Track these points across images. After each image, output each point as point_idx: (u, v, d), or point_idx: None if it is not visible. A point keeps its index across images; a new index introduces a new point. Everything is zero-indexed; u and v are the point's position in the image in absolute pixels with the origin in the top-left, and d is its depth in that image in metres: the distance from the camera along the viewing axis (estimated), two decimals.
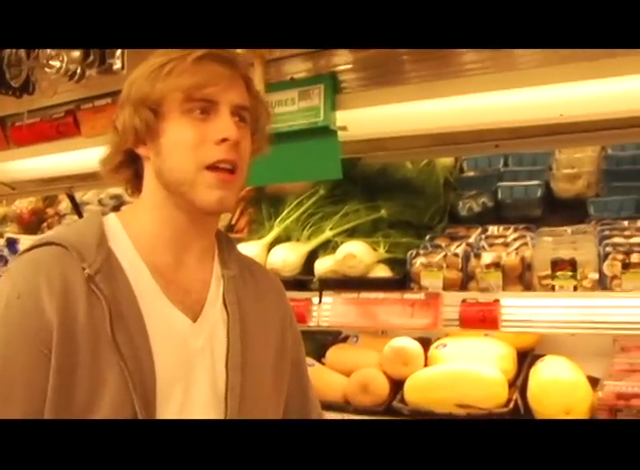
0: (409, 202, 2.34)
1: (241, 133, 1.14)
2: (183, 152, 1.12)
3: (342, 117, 1.96)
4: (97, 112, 2.33)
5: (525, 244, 2.02)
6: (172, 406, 1.12)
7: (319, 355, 2.36)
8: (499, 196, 2.37)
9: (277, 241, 2.30)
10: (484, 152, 2.35)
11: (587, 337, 2.08)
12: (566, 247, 1.98)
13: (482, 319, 1.90)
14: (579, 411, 1.78)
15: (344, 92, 1.87)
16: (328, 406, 2.08)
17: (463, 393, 1.91)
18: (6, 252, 3.13)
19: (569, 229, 2.09)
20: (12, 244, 3.14)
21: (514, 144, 2.14)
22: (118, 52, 1.91)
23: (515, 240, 2.07)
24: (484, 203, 2.39)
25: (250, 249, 2.24)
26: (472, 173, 2.54)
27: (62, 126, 2.46)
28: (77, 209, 3.09)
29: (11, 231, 3.37)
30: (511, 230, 2.17)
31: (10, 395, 1.04)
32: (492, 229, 2.20)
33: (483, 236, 2.14)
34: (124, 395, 1.05)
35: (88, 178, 2.81)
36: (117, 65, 1.89)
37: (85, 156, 2.32)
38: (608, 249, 1.85)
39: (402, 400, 2.02)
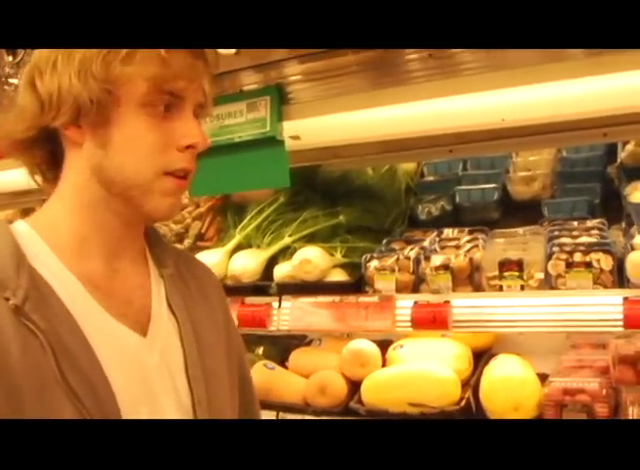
0: (368, 207, 2.39)
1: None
2: (142, 153, 0.97)
3: (293, 127, 2.01)
4: None
5: (476, 246, 2.07)
6: None
7: (283, 359, 2.41)
8: (457, 200, 2.41)
9: (239, 248, 2.35)
10: (439, 157, 2.40)
11: (542, 335, 2.13)
12: (515, 248, 2.02)
13: (433, 320, 1.94)
14: (527, 407, 1.83)
15: (293, 102, 1.91)
16: (288, 408, 2.14)
17: (415, 392, 1.96)
18: None
19: (520, 230, 2.14)
20: None
21: (467, 148, 2.19)
22: None
23: (467, 242, 2.12)
24: (443, 206, 2.43)
25: (211, 256, 2.29)
26: (431, 178, 2.58)
27: None
28: None
29: None
30: (465, 233, 2.21)
31: None
32: (447, 232, 2.25)
33: (437, 239, 2.19)
34: None
35: None
36: None
37: None
38: (554, 249, 1.90)
39: (360, 401, 2.07)
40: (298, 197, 2.42)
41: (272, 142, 1.86)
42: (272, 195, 2.47)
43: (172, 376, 1.04)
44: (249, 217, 2.39)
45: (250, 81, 1.98)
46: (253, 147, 1.88)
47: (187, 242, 2.90)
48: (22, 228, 1.00)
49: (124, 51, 0.95)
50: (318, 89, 1.94)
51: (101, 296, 1.00)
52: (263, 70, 1.95)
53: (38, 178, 1.07)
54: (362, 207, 2.38)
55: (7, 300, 0.89)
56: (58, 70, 0.94)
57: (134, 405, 0.98)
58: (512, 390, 1.85)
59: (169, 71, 0.96)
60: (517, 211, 2.36)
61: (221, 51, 1.63)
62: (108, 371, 0.95)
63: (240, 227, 2.38)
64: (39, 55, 0.98)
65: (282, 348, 2.45)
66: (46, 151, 1.03)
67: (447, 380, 1.96)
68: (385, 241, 2.26)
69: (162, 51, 0.95)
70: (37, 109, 0.97)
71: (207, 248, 2.57)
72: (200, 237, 2.89)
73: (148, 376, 1.01)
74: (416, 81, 1.91)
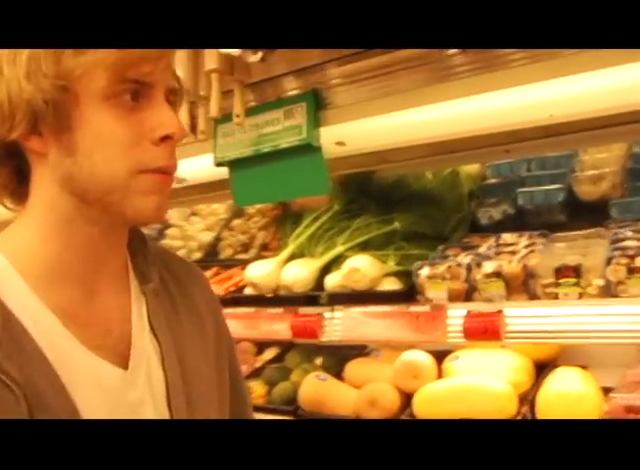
0: (425, 213, 2.31)
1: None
2: (112, 152, 0.85)
3: (337, 133, 1.97)
4: None
5: (533, 251, 1.94)
6: None
7: (341, 370, 2.36)
8: (519, 202, 2.29)
9: (292, 257, 2.33)
10: (495, 159, 2.29)
11: (611, 346, 1.97)
12: (575, 252, 1.89)
13: (485, 331, 1.84)
14: None
15: (332, 107, 1.87)
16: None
17: (468, 406, 1.86)
18: None
19: (583, 233, 2.00)
20: None
21: (525, 147, 2.08)
22: None
23: (525, 247, 2.00)
24: (505, 210, 2.32)
25: (264, 267, 2.28)
26: (493, 181, 2.47)
27: None
28: None
29: None
30: (525, 237, 2.09)
31: None
32: (505, 237, 2.14)
33: (494, 245, 2.08)
34: None
35: None
36: None
37: None
38: (614, 253, 1.76)
39: (412, 414, 1.99)
40: (353, 204, 2.38)
41: (310, 149, 1.82)
42: (327, 203, 2.43)
43: (156, 407, 0.97)
44: (302, 227, 2.36)
45: (289, 88, 1.96)
46: (292, 155, 1.85)
47: (252, 252, 2.92)
48: None
49: None
50: (358, 91, 1.89)
51: (78, 327, 0.90)
52: (301, 75, 1.93)
53: (7, 201, 0.95)
54: (418, 212, 2.30)
55: None
56: (5, 76, 0.83)
57: None
58: (568, 406, 1.72)
59: (130, 55, 0.83)
60: (584, 213, 2.21)
61: (253, 58, 1.63)
62: (88, 415, 0.87)
63: (293, 236, 2.36)
64: None
65: (340, 358, 2.40)
66: (10, 168, 0.91)
67: (502, 394, 1.85)
68: (440, 247, 2.17)
69: None
70: None
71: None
72: (264, 247, 2.90)
73: (131, 411, 0.94)
74: (459, 76, 1.82)
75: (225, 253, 3.01)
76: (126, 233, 0.99)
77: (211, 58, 1.65)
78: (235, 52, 1.58)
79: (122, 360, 0.94)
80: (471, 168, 2.54)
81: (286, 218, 2.63)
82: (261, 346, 2.75)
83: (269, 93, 2.00)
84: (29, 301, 0.87)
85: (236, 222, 3.10)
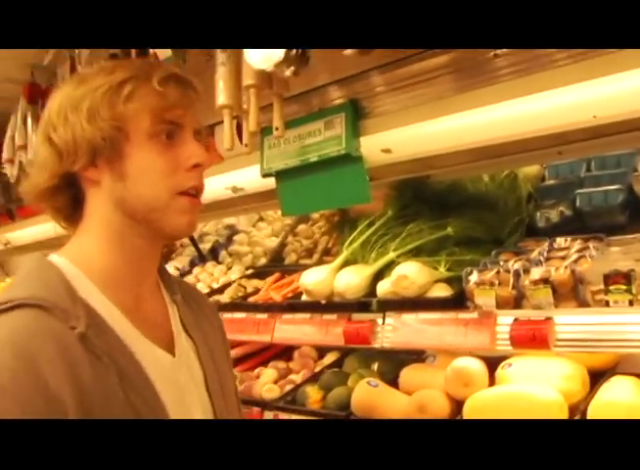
0: (479, 217, 2.27)
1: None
2: (155, 178, 1.09)
3: (382, 141, 1.98)
4: None
5: (584, 256, 1.89)
6: None
7: (397, 376, 2.36)
8: (577, 204, 2.22)
9: (347, 264, 2.35)
10: (548, 161, 2.23)
11: None
12: (630, 258, 1.82)
13: (533, 338, 1.80)
14: None
15: (372, 116, 1.88)
16: None
17: (516, 415, 1.82)
18: None
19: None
20: None
21: (577, 148, 2.02)
22: None
23: (577, 252, 1.94)
24: (562, 212, 2.25)
25: (317, 273, 2.31)
26: (552, 182, 2.40)
27: None
28: (193, 240, 3.34)
29: None
30: (579, 241, 2.03)
31: None
32: (560, 241, 2.08)
33: (546, 250, 2.03)
34: None
35: (210, 209, 3.04)
36: None
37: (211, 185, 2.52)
38: None
39: None
40: (407, 210, 2.37)
41: (350, 159, 1.84)
42: (382, 209, 2.44)
43: (198, 391, 1.20)
44: (356, 233, 2.38)
45: (333, 97, 1.99)
46: (334, 165, 1.88)
47: (315, 257, 2.95)
48: (61, 262, 1.11)
49: (126, 91, 1.09)
50: (401, 99, 1.89)
51: (136, 322, 1.13)
52: (343, 84, 1.95)
53: (62, 222, 1.20)
54: (473, 217, 2.27)
55: (73, 328, 1.00)
56: (70, 121, 1.08)
57: (177, 416, 1.12)
58: (618, 416, 1.66)
59: (166, 102, 1.10)
60: None
61: (287, 72, 1.66)
62: (158, 390, 1.09)
63: (347, 243, 2.37)
64: (49, 112, 1.13)
65: (396, 364, 2.40)
66: (67, 196, 1.15)
67: (551, 403, 1.81)
68: (493, 253, 2.14)
69: (156, 85, 1.09)
70: (56, 158, 1.10)
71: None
72: (327, 252, 2.94)
73: (181, 391, 1.16)
74: (502, 80, 1.79)
75: (290, 258, 3.07)
76: (160, 251, 1.23)
77: (248, 74, 1.70)
78: (269, 68, 1.62)
79: (170, 349, 1.17)
80: (530, 170, 2.48)
81: (344, 224, 2.65)
82: (323, 351, 2.78)
83: (314, 103, 2.03)
84: (99, 299, 1.09)
85: (300, 228, 3.15)
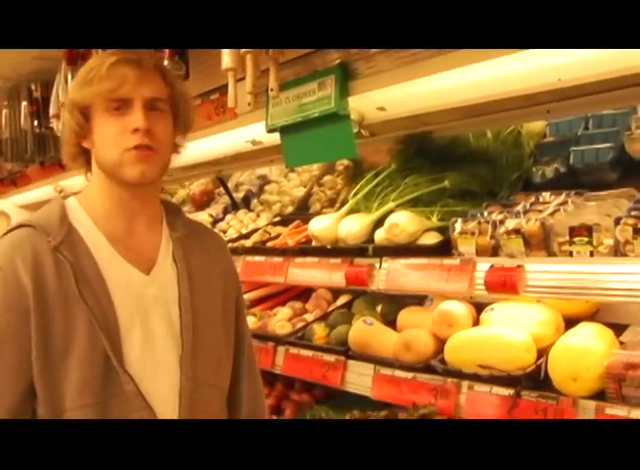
0: (475, 172, 2.40)
1: (153, 121, 1.44)
2: (109, 141, 1.44)
3: (377, 99, 2.14)
4: None
5: (558, 210, 2.01)
6: (134, 341, 1.42)
7: (397, 317, 2.54)
8: (571, 161, 2.32)
9: (352, 212, 2.53)
10: (536, 119, 2.33)
11: None
12: (600, 212, 1.93)
13: (503, 284, 1.96)
14: (586, 379, 1.76)
15: (361, 77, 2.02)
16: (380, 362, 2.30)
17: (486, 354, 1.99)
18: None
19: (616, 193, 2.03)
20: None
21: (565, 106, 2.12)
22: None
23: (555, 206, 2.06)
24: (557, 169, 2.36)
25: (323, 220, 2.51)
26: (551, 139, 2.50)
27: None
28: (227, 189, 3.58)
29: (187, 210, 4.00)
30: (563, 196, 2.15)
31: (2, 346, 1.36)
32: (545, 195, 2.20)
33: (529, 203, 2.16)
34: (94, 335, 1.37)
35: (236, 160, 3.26)
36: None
37: (231, 139, 2.72)
38: (626, 213, 1.80)
39: (442, 360, 2.16)
40: (410, 163, 2.52)
41: (339, 117, 2.01)
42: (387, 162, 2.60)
43: (167, 306, 1.49)
44: (360, 184, 2.55)
45: (333, 58, 2.13)
46: (326, 122, 2.05)
47: (336, 206, 3.14)
48: (71, 202, 1.53)
49: (88, 79, 1.45)
50: (390, 60, 2.00)
51: (119, 246, 1.48)
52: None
53: (87, 176, 1.59)
54: (469, 171, 2.41)
55: (49, 242, 1.39)
56: (66, 118, 1.53)
57: (130, 318, 1.43)
58: (571, 359, 1.80)
59: (113, 83, 1.43)
60: (637, 172, 2.21)
61: None
62: (113, 293, 1.42)
63: (352, 193, 2.55)
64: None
65: (398, 306, 2.58)
66: (85, 158, 1.55)
67: (518, 344, 1.96)
68: (484, 205, 2.28)
69: (104, 71, 1.43)
70: (65, 134, 1.54)
71: None
72: (346, 202, 3.12)
73: (145, 302, 1.47)
74: None
75: (314, 207, 3.27)
76: (148, 194, 1.54)
77: None
78: None
79: (147, 270, 1.49)
80: (534, 127, 2.58)
81: (355, 176, 2.82)
82: (337, 293, 2.99)
83: (317, 63, 2.19)
84: (89, 226, 1.48)
85: (326, 179, 3.34)
